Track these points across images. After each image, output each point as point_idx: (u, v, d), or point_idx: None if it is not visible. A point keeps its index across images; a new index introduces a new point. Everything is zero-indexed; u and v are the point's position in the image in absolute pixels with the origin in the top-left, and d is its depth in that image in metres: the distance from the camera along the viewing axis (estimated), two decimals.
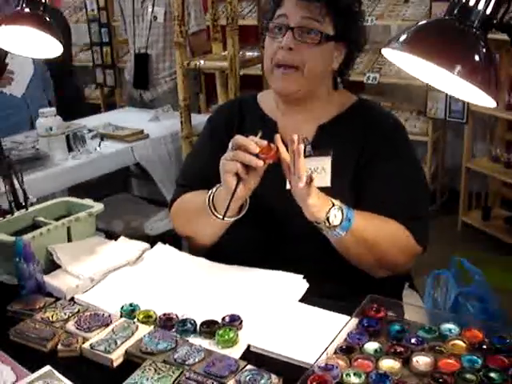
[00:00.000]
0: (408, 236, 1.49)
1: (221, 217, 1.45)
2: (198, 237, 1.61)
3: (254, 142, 1.37)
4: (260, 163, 1.36)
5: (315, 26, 1.47)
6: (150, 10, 4.01)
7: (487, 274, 2.28)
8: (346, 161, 1.54)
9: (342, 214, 1.39)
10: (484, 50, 0.98)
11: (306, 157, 1.53)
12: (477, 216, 4.11)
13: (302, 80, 1.51)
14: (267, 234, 1.56)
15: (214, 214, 1.47)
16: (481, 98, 1.00)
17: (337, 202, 1.40)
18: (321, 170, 1.53)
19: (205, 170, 1.65)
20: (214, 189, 1.49)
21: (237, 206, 1.45)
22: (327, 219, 1.37)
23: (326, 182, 1.53)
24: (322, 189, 1.52)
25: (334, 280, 1.49)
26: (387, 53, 1.04)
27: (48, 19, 1.66)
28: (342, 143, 1.55)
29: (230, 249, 1.55)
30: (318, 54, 1.49)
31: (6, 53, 1.94)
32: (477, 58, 0.97)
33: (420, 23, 1.03)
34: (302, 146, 1.34)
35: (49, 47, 1.71)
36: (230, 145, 1.41)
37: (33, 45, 1.72)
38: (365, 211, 1.48)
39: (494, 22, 0.99)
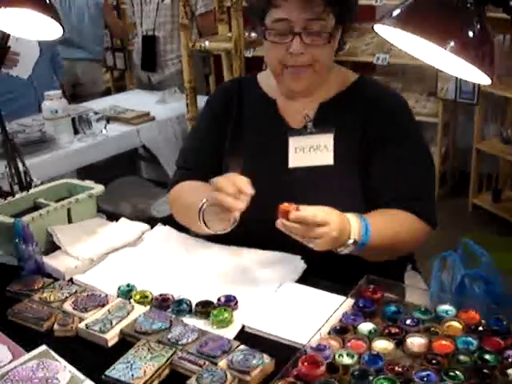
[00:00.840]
0: (418, 222, 1.48)
1: (212, 232, 1.40)
2: (192, 229, 1.59)
3: (231, 184, 1.30)
4: (239, 206, 1.30)
5: (322, 27, 1.41)
6: None
7: (497, 257, 2.26)
8: (348, 138, 1.52)
9: (359, 229, 1.35)
10: (478, 26, 0.96)
11: (307, 134, 1.53)
12: (487, 198, 4.07)
13: (315, 76, 1.48)
14: (267, 215, 1.55)
15: (205, 226, 1.40)
16: (475, 75, 0.98)
17: (351, 219, 1.34)
18: (323, 147, 1.52)
19: (203, 151, 1.66)
20: (205, 200, 1.36)
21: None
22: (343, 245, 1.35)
23: (329, 159, 1.51)
24: (325, 167, 1.51)
25: (333, 261, 1.48)
26: (380, 29, 1.02)
27: (48, 1, 1.65)
28: (345, 120, 1.53)
29: (236, 230, 1.54)
30: (329, 49, 1.47)
31: (8, 35, 1.93)
32: (470, 33, 0.95)
33: None
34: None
35: (49, 29, 1.70)
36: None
37: (33, 27, 1.71)
38: (371, 194, 1.48)
39: None
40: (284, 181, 1.53)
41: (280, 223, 1.27)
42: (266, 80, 1.64)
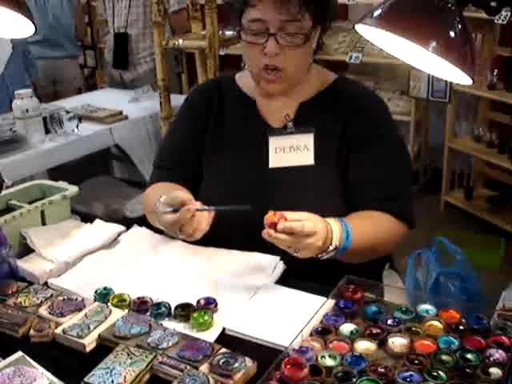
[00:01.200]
0: (396, 223, 1.49)
1: (180, 238, 1.40)
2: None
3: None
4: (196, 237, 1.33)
5: (298, 28, 1.40)
6: None
7: (469, 254, 2.29)
8: (328, 137, 1.52)
9: (341, 235, 1.35)
10: (459, 27, 0.96)
11: (287, 134, 1.52)
12: (459, 196, 4.12)
13: (289, 78, 1.48)
14: (245, 215, 1.54)
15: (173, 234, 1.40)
16: (456, 75, 0.98)
17: (333, 225, 1.34)
18: (303, 147, 1.51)
19: (182, 150, 1.63)
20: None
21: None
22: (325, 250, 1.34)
23: (309, 159, 1.51)
24: (305, 167, 1.51)
25: (312, 261, 1.47)
26: (360, 29, 1.01)
27: None
28: (324, 120, 1.53)
29: (208, 231, 1.53)
30: (304, 51, 1.45)
31: None
32: (452, 34, 0.95)
33: None
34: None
35: (21, 27, 1.66)
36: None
37: (5, 24, 1.67)
38: (349, 194, 1.49)
39: None
40: (264, 181, 1.52)
41: (266, 233, 1.25)
42: (244, 80, 1.63)
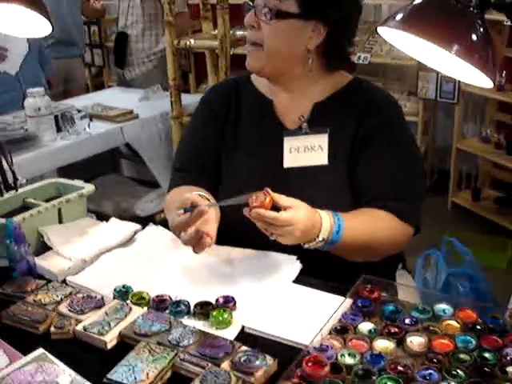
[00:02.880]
0: (398, 222, 1.47)
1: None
2: None
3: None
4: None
5: (271, 4, 1.44)
6: None
7: (476, 254, 2.30)
8: (342, 138, 1.53)
9: (331, 228, 1.36)
10: (481, 30, 0.98)
11: (302, 135, 1.53)
12: (466, 196, 4.13)
13: (263, 56, 1.50)
14: None
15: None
16: (477, 78, 0.99)
17: (324, 218, 1.35)
18: (317, 147, 1.53)
19: (201, 151, 1.65)
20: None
21: None
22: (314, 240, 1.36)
23: (323, 159, 1.52)
24: (319, 167, 1.52)
25: (327, 261, 1.48)
26: (383, 31, 1.03)
27: None
28: (339, 121, 1.54)
29: (225, 230, 1.54)
30: (275, 31, 1.47)
31: None
32: (474, 37, 0.96)
33: (416, 2, 1.02)
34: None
35: (38, 26, 1.67)
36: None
37: (22, 24, 1.68)
38: (356, 193, 1.49)
39: (492, 0, 0.98)
40: (278, 180, 1.53)
41: (246, 211, 1.29)
42: (260, 80, 1.64)
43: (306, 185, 1.53)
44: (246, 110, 1.63)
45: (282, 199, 1.30)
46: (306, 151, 1.53)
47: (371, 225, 1.46)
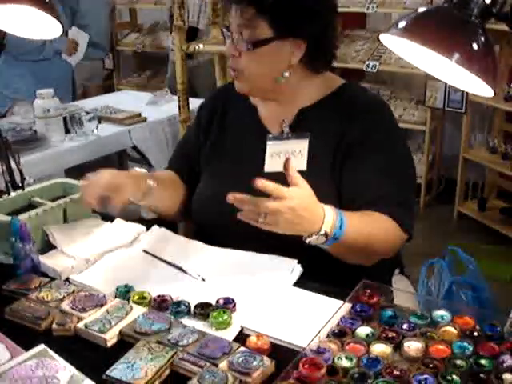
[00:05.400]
0: (394, 225, 1.47)
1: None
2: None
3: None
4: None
5: (251, 34, 1.46)
6: None
7: (482, 265, 2.29)
8: (326, 143, 1.53)
9: (334, 222, 1.34)
10: (483, 39, 0.99)
11: (283, 139, 1.55)
12: (473, 206, 4.12)
13: (247, 82, 1.55)
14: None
15: None
16: (478, 87, 1.00)
17: (327, 210, 1.33)
18: (298, 153, 1.53)
19: (189, 156, 1.76)
20: None
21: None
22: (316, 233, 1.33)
23: (302, 165, 1.51)
24: (298, 172, 1.51)
25: (327, 265, 1.49)
26: (385, 39, 1.04)
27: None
28: (323, 127, 1.54)
29: (226, 232, 1.56)
30: (255, 58, 1.49)
31: (4, 32, 1.93)
32: (475, 46, 0.97)
33: (419, 10, 1.03)
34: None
35: (48, 27, 1.69)
36: None
37: (31, 25, 1.71)
38: (346, 198, 1.49)
39: (494, 10, 0.99)
40: None
41: (231, 197, 1.25)
42: None
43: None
44: (233, 115, 1.69)
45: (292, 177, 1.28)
46: (287, 156, 1.53)
47: (371, 224, 1.44)
